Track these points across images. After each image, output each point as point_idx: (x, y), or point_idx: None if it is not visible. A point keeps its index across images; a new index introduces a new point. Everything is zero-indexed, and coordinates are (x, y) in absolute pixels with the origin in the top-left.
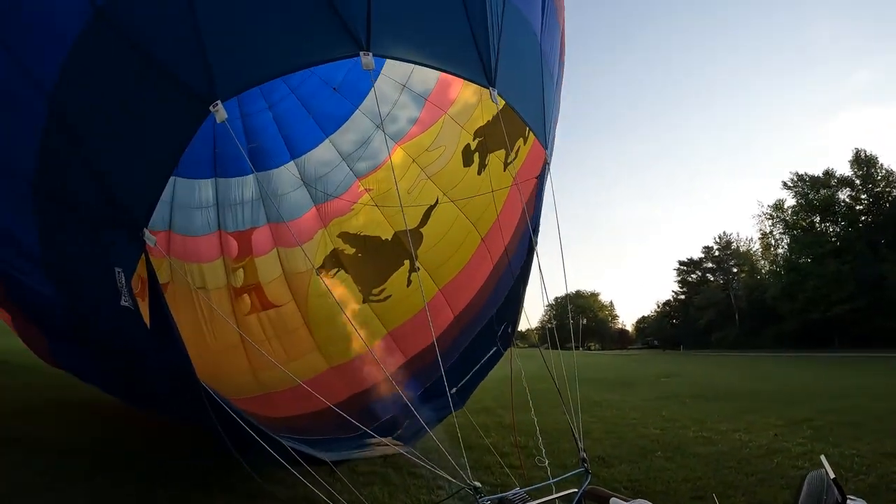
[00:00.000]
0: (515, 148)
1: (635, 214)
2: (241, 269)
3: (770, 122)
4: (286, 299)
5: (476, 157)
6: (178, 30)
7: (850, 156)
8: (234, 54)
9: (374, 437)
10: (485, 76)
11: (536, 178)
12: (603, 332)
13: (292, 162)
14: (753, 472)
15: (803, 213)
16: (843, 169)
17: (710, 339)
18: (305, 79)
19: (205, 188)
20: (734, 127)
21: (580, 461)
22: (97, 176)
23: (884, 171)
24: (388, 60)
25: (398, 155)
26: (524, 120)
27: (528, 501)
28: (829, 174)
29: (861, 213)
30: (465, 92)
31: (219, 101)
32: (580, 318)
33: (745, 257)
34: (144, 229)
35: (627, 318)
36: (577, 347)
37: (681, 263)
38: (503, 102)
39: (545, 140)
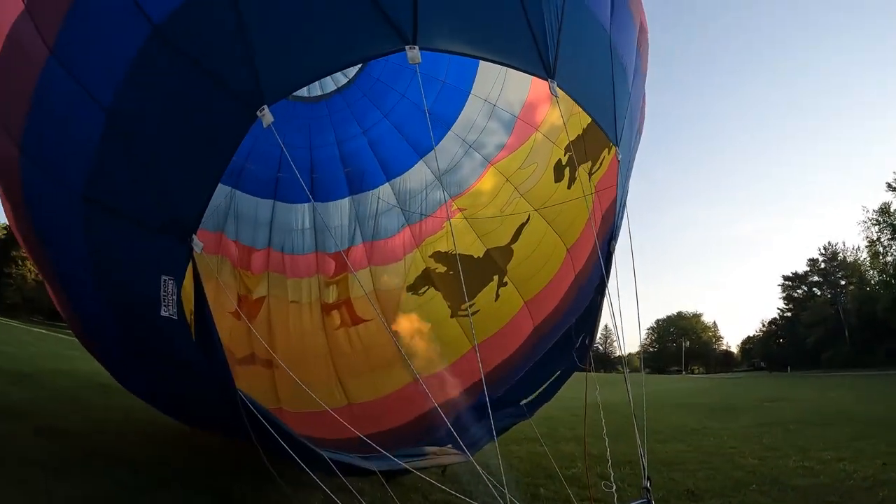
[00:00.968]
0: (600, 158)
1: (736, 230)
2: (335, 286)
3: (872, 122)
4: (374, 315)
5: (567, 171)
6: (227, 39)
7: None
8: (278, 59)
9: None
10: (543, 67)
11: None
12: (707, 354)
13: (387, 184)
14: None
15: None
16: None
17: (819, 358)
18: (396, 104)
19: (303, 212)
20: (834, 131)
21: (643, 490)
22: (149, 184)
23: None
24: (476, 81)
25: (491, 174)
26: (587, 111)
27: None
28: None
29: None
30: (552, 114)
31: (265, 106)
32: (683, 340)
33: (852, 268)
34: (193, 235)
35: (732, 339)
36: (679, 371)
37: (785, 279)
38: (565, 96)
39: (615, 134)
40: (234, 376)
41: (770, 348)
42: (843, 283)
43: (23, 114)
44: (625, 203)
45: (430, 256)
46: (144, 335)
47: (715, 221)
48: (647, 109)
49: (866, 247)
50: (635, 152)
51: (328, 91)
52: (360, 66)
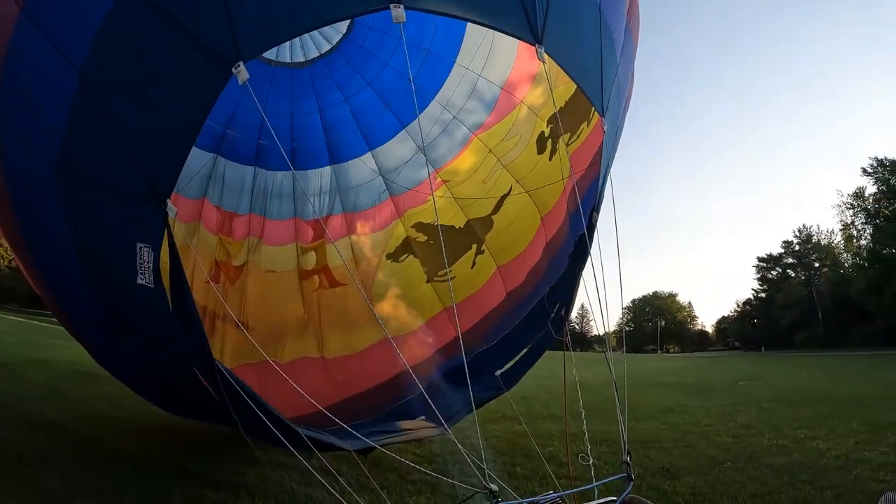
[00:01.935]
0: (578, 130)
1: (711, 209)
2: (313, 252)
3: (848, 107)
4: (351, 279)
5: (549, 143)
6: None
7: None
8: (256, 13)
9: (405, 419)
10: (530, 32)
11: (593, 163)
12: (682, 334)
13: (369, 153)
14: (829, 485)
15: (886, 201)
16: None
17: (793, 339)
18: (380, 72)
19: (284, 178)
20: (812, 114)
21: (623, 465)
22: (123, 148)
23: None
24: (461, 51)
25: (474, 146)
26: (573, 78)
27: None
28: None
29: None
30: (536, 86)
31: (241, 63)
32: (658, 320)
33: (826, 251)
34: (167, 200)
35: (707, 319)
36: (655, 351)
37: (760, 260)
38: (551, 64)
39: (601, 103)
40: (213, 331)
41: (745, 328)
42: (817, 265)
43: None
44: (608, 174)
45: (411, 227)
46: (123, 310)
47: (689, 200)
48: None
49: (840, 230)
50: (622, 125)
51: (311, 57)
52: (344, 32)
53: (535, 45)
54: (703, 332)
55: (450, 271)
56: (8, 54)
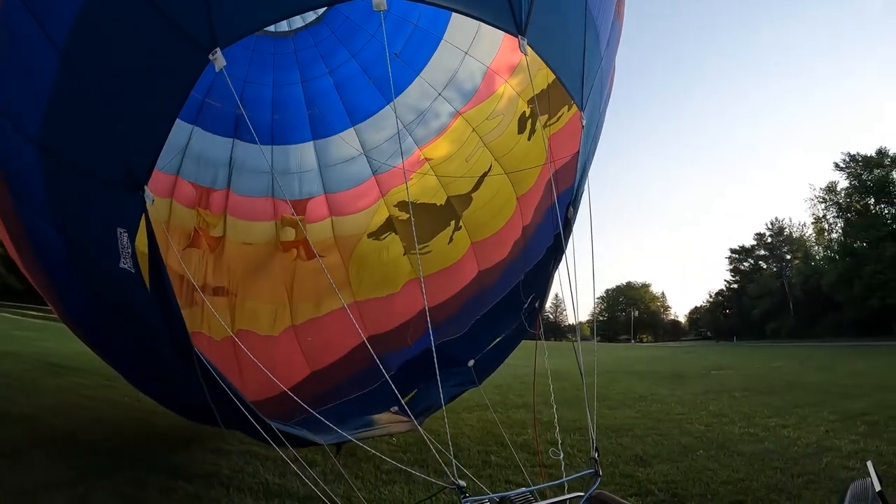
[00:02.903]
0: (559, 113)
1: (685, 200)
2: (292, 227)
3: (824, 101)
4: (329, 253)
5: (529, 123)
6: None
7: None
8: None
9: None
10: (514, 23)
11: (572, 158)
12: (655, 323)
13: (352, 129)
14: (800, 472)
15: (857, 195)
16: None
17: (764, 329)
18: (366, 44)
19: (264, 154)
20: (786, 108)
21: (591, 460)
22: (100, 133)
23: None
24: (449, 27)
25: (458, 124)
26: (555, 72)
27: (533, 500)
28: (882, 153)
29: None
30: (521, 67)
31: (218, 50)
32: (632, 309)
33: (798, 243)
34: (144, 187)
35: (680, 310)
36: (628, 340)
37: (732, 251)
38: (534, 55)
39: (580, 98)
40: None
41: (717, 319)
42: (788, 257)
43: None
44: (587, 170)
45: (394, 206)
46: (107, 295)
47: (663, 191)
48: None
49: (812, 223)
50: (603, 119)
51: (295, 27)
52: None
53: (517, 37)
54: (675, 322)
55: (426, 246)
56: None
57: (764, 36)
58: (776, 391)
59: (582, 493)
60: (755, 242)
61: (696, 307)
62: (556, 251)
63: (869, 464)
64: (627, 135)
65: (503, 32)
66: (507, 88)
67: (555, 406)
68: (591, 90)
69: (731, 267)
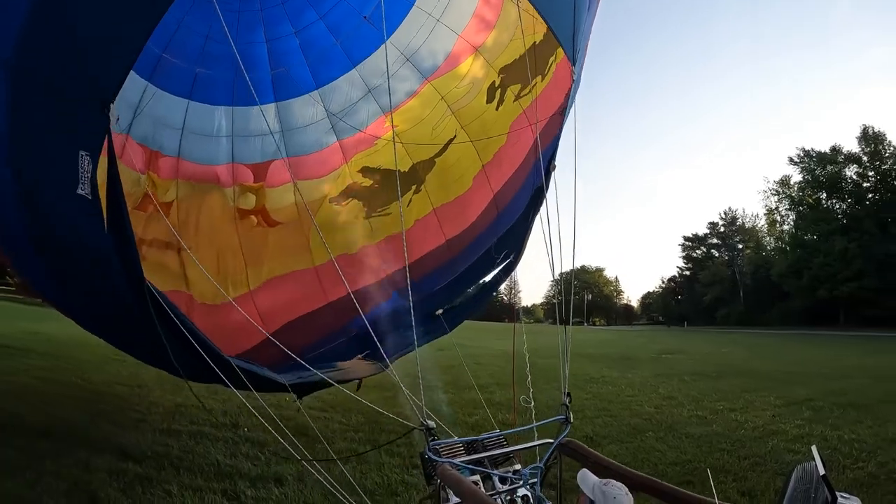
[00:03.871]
0: (532, 83)
1: (639, 188)
2: (252, 193)
3: (780, 97)
4: (289, 219)
5: (498, 93)
6: None
7: (857, 132)
8: None
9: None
10: None
11: (557, 113)
12: (608, 307)
13: (316, 92)
14: (747, 455)
15: (810, 190)
16: (851, 145)
17: (714, 315)
18: (335, 6)
19: (221, 116)
20: (743, 102)
21: (562, 406)
22: (75, 54)
23: (892, 149)
24: None
25: (426, 91)
26: (549, 26)
27: (504, 445)
28: (836, 150)
29: (868, 190)
30: (492, 35)
31: None
32: (585, 293)
33: (750, 233)
34: (111, 105)
35: (633, 294)
36: (581, 323)
37: (686, 239)
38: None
39: (572, 50)
40: (142, 256)
41: (669, 304)
42: (740, 246)
43: None
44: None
45: (357, 171)
46: (61, 227)
47: (620, 177)
48: None
49: (765, 214)
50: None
51: None
52: None
53: None
54: (628, 307)
55: (387, 208)
56: None
57: (721, 26)
58: (724, 376)
59: (551, 441)
60: (708, 231)
61: (648, 292)
62: (535, 205)
63: (814, 448)
64: (585, 120)
65: (476, 1)
66: (477, 57)
67: (527, 355)
68: (580, 43)
69: (684, 254)
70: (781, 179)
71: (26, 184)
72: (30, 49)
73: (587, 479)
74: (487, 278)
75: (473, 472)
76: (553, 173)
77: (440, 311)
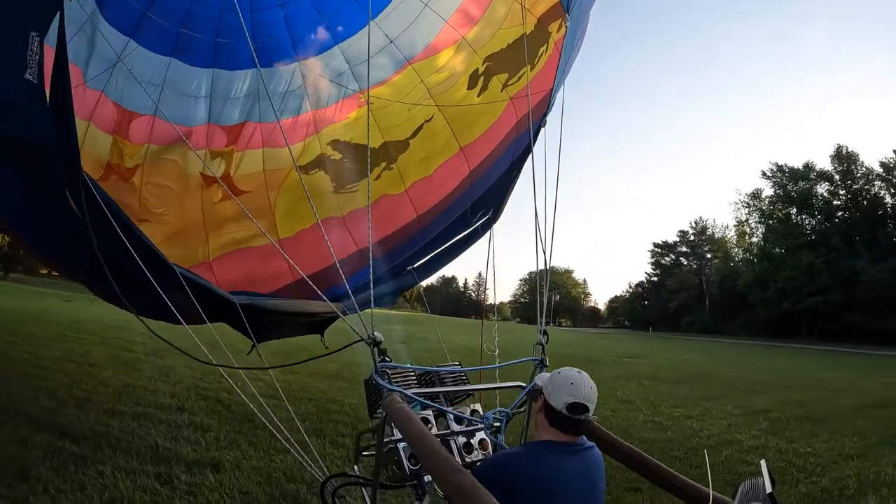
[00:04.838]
0: (519, 73)
1: (612, 193)
2: (221, 158)
3: (758, 113)
4: (254, 187)
5: (481, 80)
6: None
7: (831, 150)
8: None
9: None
10: None
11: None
12: (575, 309)
13: (296, 63)
14: (699, 463)
15: (780, 204)
16: (824, 163)
17: (679, 322)
18: None
19: (200, 77)
20: (722, 114)
21: (537, 346)
22: None
23: (864, 169)
24: None
25: (407, 73)
26: None
27: (464, 382)
28: (808, 167)
29: (838, 208)
30: (479, 24)
31: None
32: (553, 294)
33: (719, 244)
34: None
35: (600, 298)
36: (547, 323)
37: (655, 245)
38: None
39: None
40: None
41: (635, 309)
42: (709, 256)
43: None
44: (561, 84)
45: (327, 144)
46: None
47: (593, 181)
48: None
49: (735, 226)
50: (578, 51)
51: None
52: None
53: None
54: (595, 310)
55: (356, 185)
56: None
57: (699, 37)
58: (684, 382)
59: (523, 384)
60: (678, 239)
61: (615, 296)
62: (520, 163)
63: (763, 463)
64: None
65: None
66: (462, 43)
67: (496, 303)
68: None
69: (653, 260)
70: (753, 192)
71: None
72: None
73: (542, 375)
74: (461, 235)
75: (425, 408)
76: (543, 129)
77: (412, 267)
